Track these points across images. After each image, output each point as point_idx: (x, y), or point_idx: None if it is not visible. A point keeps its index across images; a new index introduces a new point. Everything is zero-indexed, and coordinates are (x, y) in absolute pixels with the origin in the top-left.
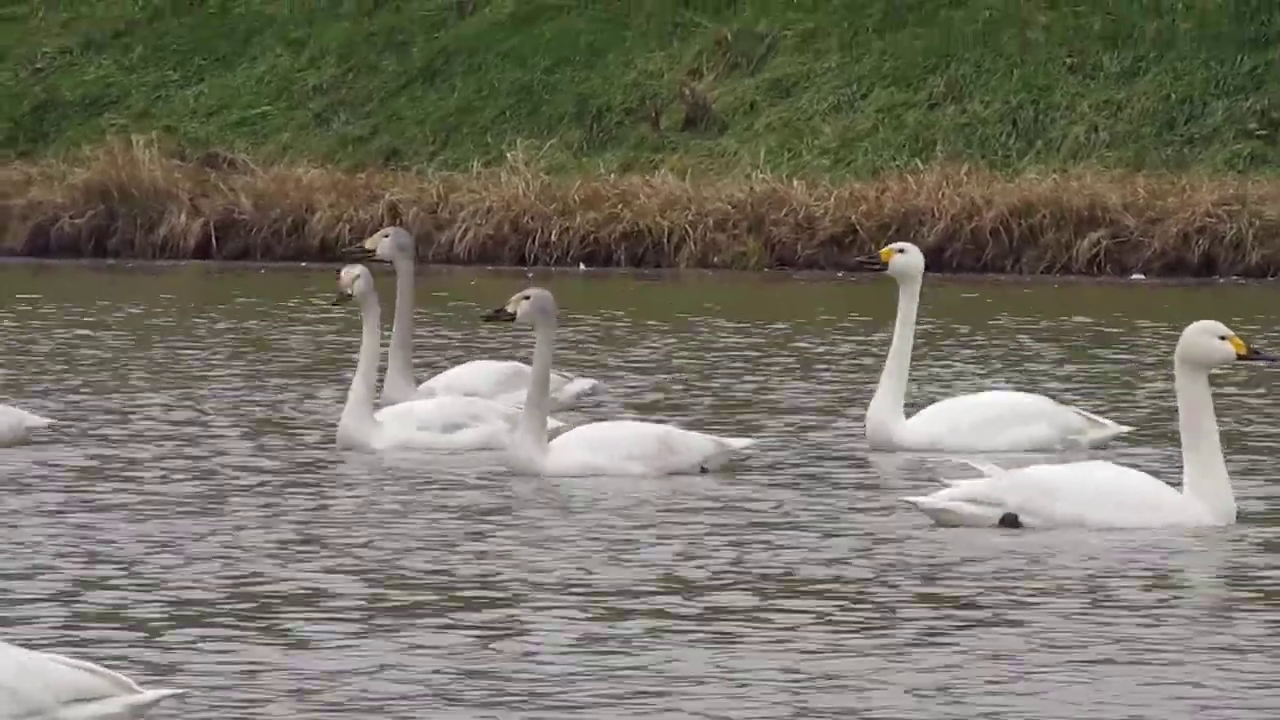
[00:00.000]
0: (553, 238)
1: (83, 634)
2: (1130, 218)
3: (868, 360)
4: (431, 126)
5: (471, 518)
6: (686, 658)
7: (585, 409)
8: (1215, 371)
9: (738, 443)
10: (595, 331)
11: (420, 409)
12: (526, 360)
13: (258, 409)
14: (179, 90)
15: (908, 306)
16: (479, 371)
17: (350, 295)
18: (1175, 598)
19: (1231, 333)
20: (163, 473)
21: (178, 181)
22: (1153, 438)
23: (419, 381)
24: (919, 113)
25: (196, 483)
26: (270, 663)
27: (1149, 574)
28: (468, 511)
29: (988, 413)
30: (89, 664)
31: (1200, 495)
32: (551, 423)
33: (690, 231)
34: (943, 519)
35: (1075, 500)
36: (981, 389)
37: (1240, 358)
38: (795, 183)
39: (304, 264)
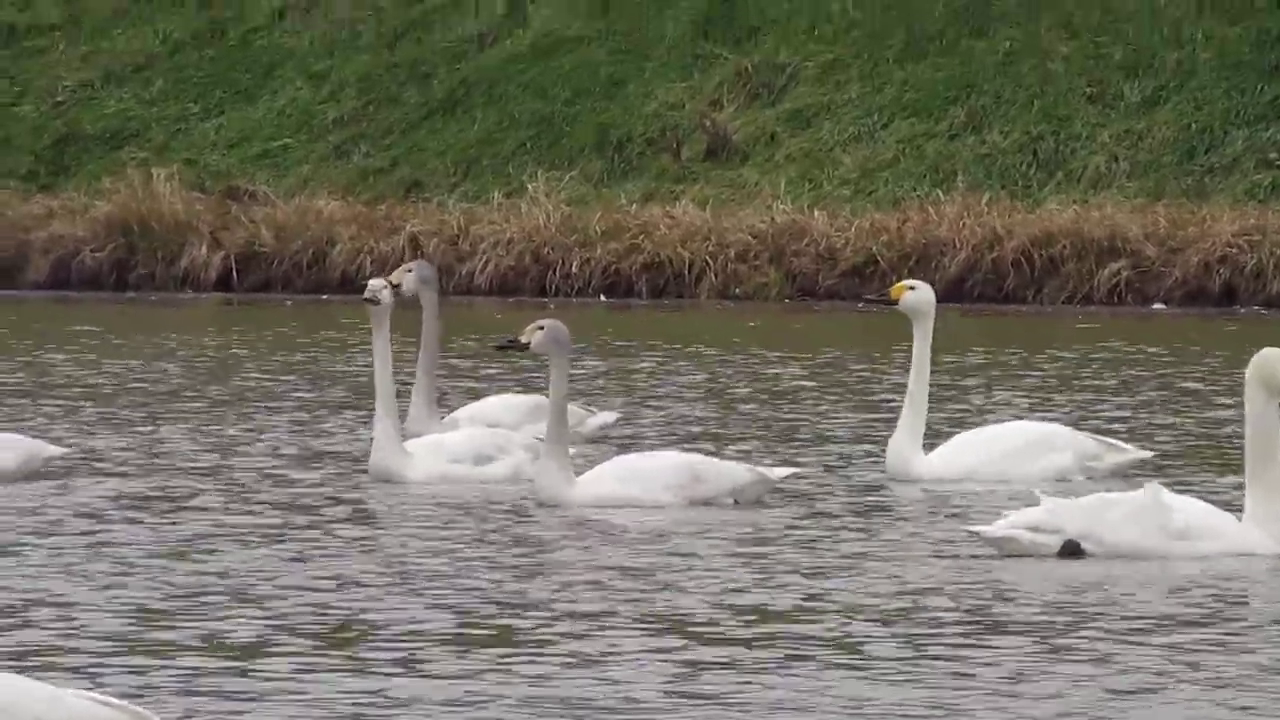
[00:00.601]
0: (574, 269)
1: (141, 663)
2: (1151, 248)
3: (893, 391)
4: (452, 158)
5: (530, 548)
6: (763, 685)
7: (609, 440)
8: None
9: (776, 473)
10: (617, 363)
11: (450, 441)
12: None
13: (284, 441)
14: (199, 123)
15: (921, 342)
16: (503, 404)
17: (383, 300)
18: (1239, 626)
19: None
20: (201, 506)
21: (198, 214)
22: (1184, 466)
23: (442, 415)
24: (939, 143)
25: (237, 515)
26: (347, 692)
27: (1210, 602)
28: (525, 541)
29: (1006, 444)
30: (108, 697)
31: (1261, 523)
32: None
33: (711, 262)
34: (1005, 547)
35: (1135, 527)
36: (1003, 420)
37: None
38: (816, 213)
39: (325, 296)
